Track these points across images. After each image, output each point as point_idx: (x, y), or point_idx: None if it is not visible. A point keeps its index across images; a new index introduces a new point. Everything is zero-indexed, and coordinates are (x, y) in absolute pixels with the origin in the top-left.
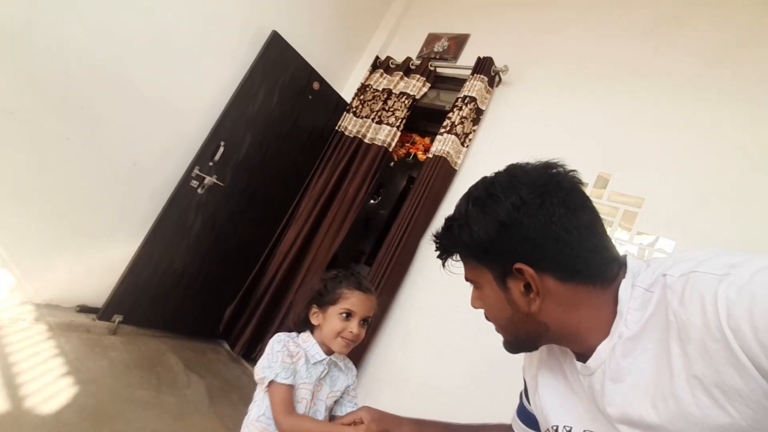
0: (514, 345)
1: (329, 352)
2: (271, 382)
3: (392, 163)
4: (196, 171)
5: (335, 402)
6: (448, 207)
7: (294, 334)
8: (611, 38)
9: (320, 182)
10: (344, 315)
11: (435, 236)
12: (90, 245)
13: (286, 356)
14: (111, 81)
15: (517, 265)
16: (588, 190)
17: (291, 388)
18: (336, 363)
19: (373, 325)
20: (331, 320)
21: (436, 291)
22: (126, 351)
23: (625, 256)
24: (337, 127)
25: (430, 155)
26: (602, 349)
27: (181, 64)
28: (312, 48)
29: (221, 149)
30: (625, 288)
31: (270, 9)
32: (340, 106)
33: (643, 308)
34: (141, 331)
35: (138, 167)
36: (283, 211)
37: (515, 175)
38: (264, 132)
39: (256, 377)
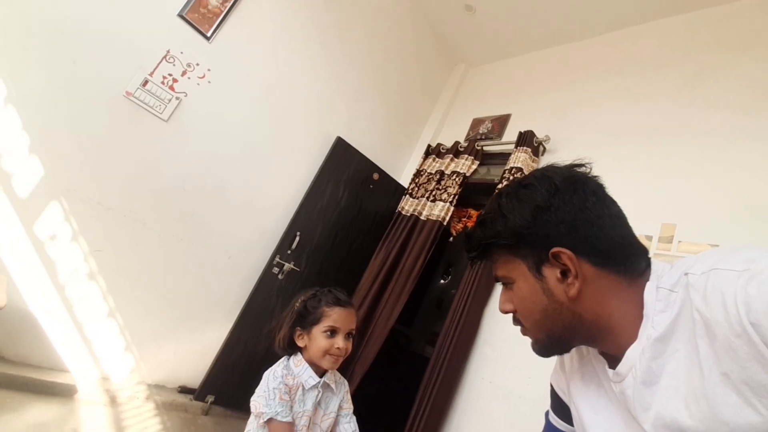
0: (546, 345)
1: (319, 370)
2: (270, 420)
3: (451, 238)
4: (277, 259)
5: (332, 421)
6: None
7: (285, 359)
8: (644, 99)
9: (379, 258)
10: (328, 333)
11: (466, 234)
12: (191, 330)
13: (284, 393)
14: (212, 192)
15: (554, 250)
16: (653, 245)
17: (291, 425)
18: (328, 384)
19: (443, 402)
20: (316, 340)
21: (507, 363)
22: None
23: (649, 259)
24: (397, 210)
25: None
26: (631, 353)
27: (264, 170)
28: (371, 144)
29: (297, 238)
30: (650, 290)
31: (335, 118)
32: (398, 191)
33: (669, 309)
34: (229, 413)
35: (231, 259)
36: (350, 291)
37: (547, 169)
38: (333, 221)
39: (253, 409)
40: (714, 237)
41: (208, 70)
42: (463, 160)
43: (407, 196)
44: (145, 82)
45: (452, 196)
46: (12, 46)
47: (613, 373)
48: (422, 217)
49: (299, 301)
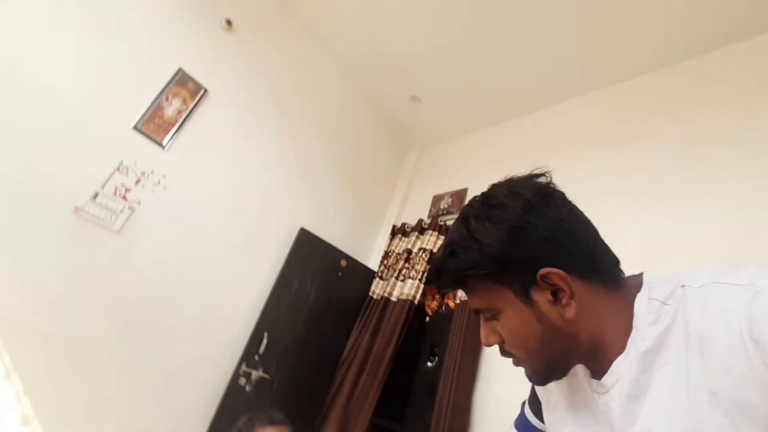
0: (543, 373)
1: None
2: None
3: (427, 318)
4: (243, 368)
5: None
6: (492, 350)
7: None
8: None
9: (349, 347)
10: None
11: (435, 267)
12: None
13: None
14: (169, 303)
15: (543, 271)
16: None
17: None
18: None
19: None
20: None
21: None
22: None
23: (641, 273)
24: (368, 294)
25: (458, 300)
26: (618, 365)
27: (225, 272)
28: (336, 232)
29: (265, 340)
30: (641, 301)
31: (297, 211)
32: (368, 275)
33: (660, 321)
34: None
35: (193, 375)
36: (324, 389)
37: (512, 185)
38: (303, 316)
39: None
40: None
41: (164, 176)
42: (428, 237)
43: (377, 279)
44: (96, 195)
45: (420, 273)
46: None
47: (597, 384)
48: (393, 298)
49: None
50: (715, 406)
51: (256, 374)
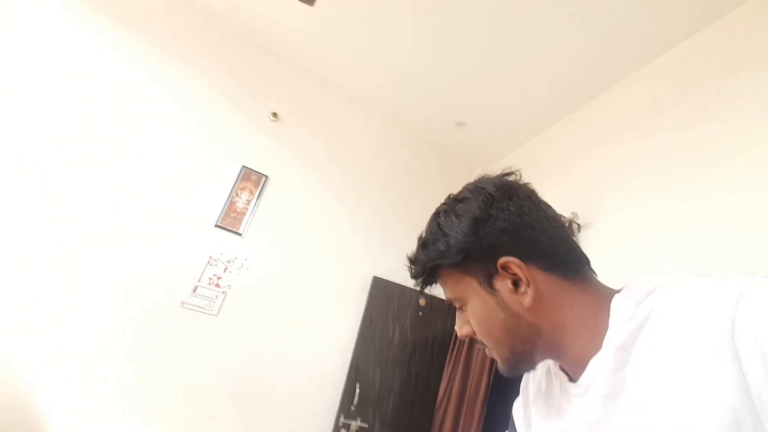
0: (511, 362)
1: None
2: None
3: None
4: (342, 420)
5: None
6: None
7: None
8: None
9: (443, 386)
10: None
11: (409, 260)
12: None
13: None
14: (269, 369)
15: (502, 260)
16: None
17: None
18: None
19: None
20: None
21: None
22: None
23: (623, 288)
24: (455, 328)
25: None
26: (593, 364)
27: (312, 333)
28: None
29: (357, 391)
30: (617, 300)
31: (368, 261)
32: (452, 309)
33: (634, 319)
34: None
35: (300, 430)
36: (427, 430)
37: (479, 181)
38: (390, 361)
39: None
40: None
41: (246, 259)
42: None
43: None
44: (195, 288)
45: None
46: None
47: (573, 386)
48: None
49: None
50: (691, 405)
51: (354, 425)
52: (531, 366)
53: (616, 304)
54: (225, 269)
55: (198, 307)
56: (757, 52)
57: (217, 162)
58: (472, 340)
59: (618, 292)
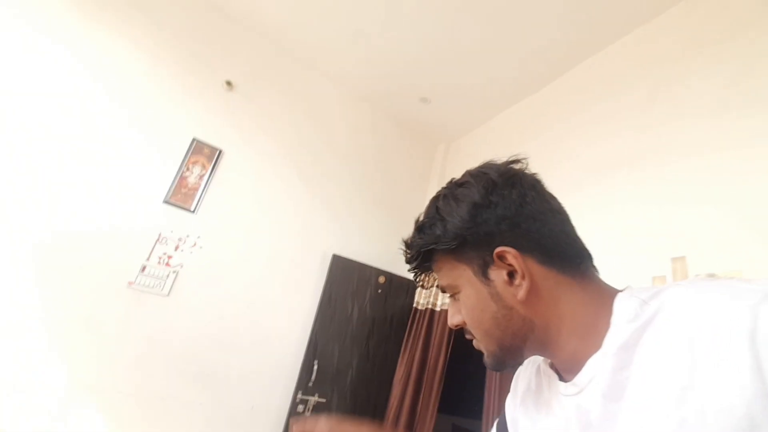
0: (498, 356)
1: None
2: None
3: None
4: (299, 396)
5: None
6: None
7: None
8: (620, 128)
9: (404, 364)
10: None
11: (405, 243)
12: None
13: None
14: (222, 347)
15: (499, 249)
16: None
17: None
18: None
19: None
20: None
21: None
22: None
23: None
24: (414, 305)
25: None
26: (592, 364)
27: (268, 311)
28: (371, 250)
29: (316, 367)
30: (621, 299)
31: (328, 239)
32: (411, 287)
33: (639, 318)
34: None
35: (254, 408)
36: (383, 404)
37: (483, 167)
38: (349, 338)
39: None
40: (729, 262)
41: (198, 237)
42: None
43: (419, 288)
44: (144, 268)
45: None
46: (25, 266)
47: (565, 386)
48: (437, 308)
49: None
50: (703, 408)
51: (312, 400)
52: (518, 362)
53: (620, 302)
54: (176, 247)
55: (147, 287)
56: (707, 39)
57: (166, 134)
58: (462, 330)
59: (621, 291)
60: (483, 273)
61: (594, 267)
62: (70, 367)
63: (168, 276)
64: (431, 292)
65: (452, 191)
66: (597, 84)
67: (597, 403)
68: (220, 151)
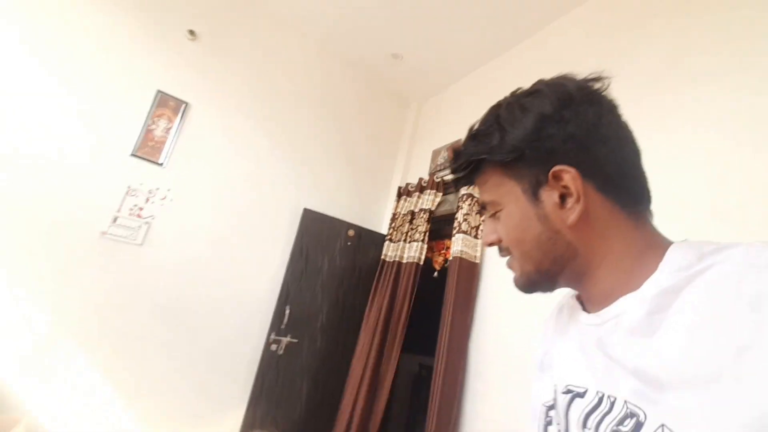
0: (532, 278)
1: None
2: None
3: (435, 273)
4: (273, 336)
5: None
6: (482, 301)
7: None
8: None
9: (373, 311)
10: None
11: (454, 150)
12: (213, 418)
13: None
14: (199, 292)
15: (556, 168)
16: None
17: None
18: None
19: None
20: None
21: (500, 401)
22: None
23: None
24: (382, 257)
25: (450, 258)
26: (623, 302)
27: (242, 259)
28: (343, 204)
29: (287, 312)
30: (676, 248)
31: (299, 192)
32: (380, 240)
33: (693, 267)
34: None
35: (232, 346)
36: (351, 347)
37: (559, 77)
38: (319, 287)
39: None
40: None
41: (168, 190)
42: (427, 196)
43: (388, 242)
44: (115, 219)
45: (423, 234)
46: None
47: (587, 316)
48: (404, 261)
49: None
50: (760, 377)
51: (285, 340)
52: (550, 288)
53: (676, 250)
54: (147, 200)
55: (120, 236)
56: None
57: (129, 87)
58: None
59: (677, 242)
60: (533, 192)
61: (651, 211)
62: (53, 310)
63: (140, 227)
64: (398, 245)
65: (519, 99)
66: (564, 48)
67: (619, 337)
68: (186, 104)
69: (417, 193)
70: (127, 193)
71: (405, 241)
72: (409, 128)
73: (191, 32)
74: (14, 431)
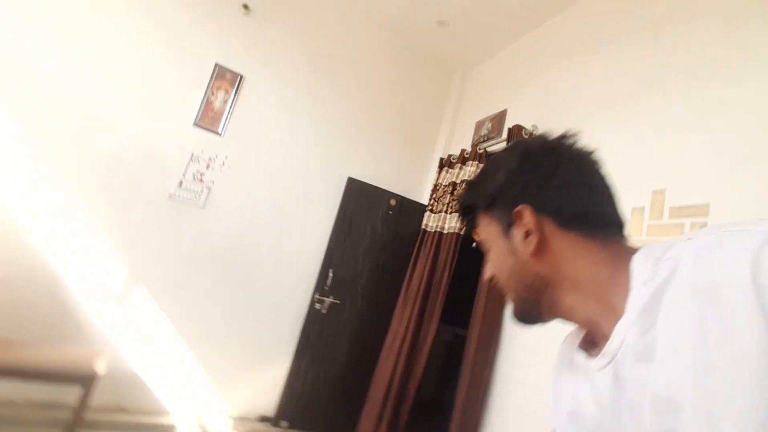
0: (518, 306)
1: None
2: None
3: (474, 244)
4: (317, 296)
5: None
6: None
7: None
8: (626, 61)
9: (414, 279)
10: None
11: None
12: (262, 366)
13: None
14: (253, 252)
15: (517, 209)
16: (645, 216)
17: None
18: None
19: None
20: None
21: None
22: None
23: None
24: (422, 227)
25: None
26: (620, 328)
27: (293, 223)
28: (385, 173)
29: (331, 275)
30: (637, 260)
31: (345, 162)
32: (422, 210)
33: (656, 276)
34: None
35: (281, 303)
36: (391, 307)
37: (530, 138)
38: (361, 252)
39: None
40: (707, 195)
41: (226, 157)
42: (469, 167)
43: (428, 212)
44: (180, 183)
45: None
46: (87, 182)
47: (596, 360)
48: (445, 231)
49: None
50: (714, 370)
51: (328, 300)
52: (538, 317)
53: (635, 264)
54: (207, 166)
55: (185, 199)
56: None
57: (190, 60)
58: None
59: (636, 252)
60: (506, 231)
61: (623, 236)
62: (129, 261)
63: (202, 191)
64: (440, 216)
65: (497, 157)
66: (610, 12)
67: (632, 367)
68: (242, 77)
69: (459, 165)
70: (190, 159)
71: (446, 212)
72: (453, 98)
73: (245, 6)
74: (98, 361)
